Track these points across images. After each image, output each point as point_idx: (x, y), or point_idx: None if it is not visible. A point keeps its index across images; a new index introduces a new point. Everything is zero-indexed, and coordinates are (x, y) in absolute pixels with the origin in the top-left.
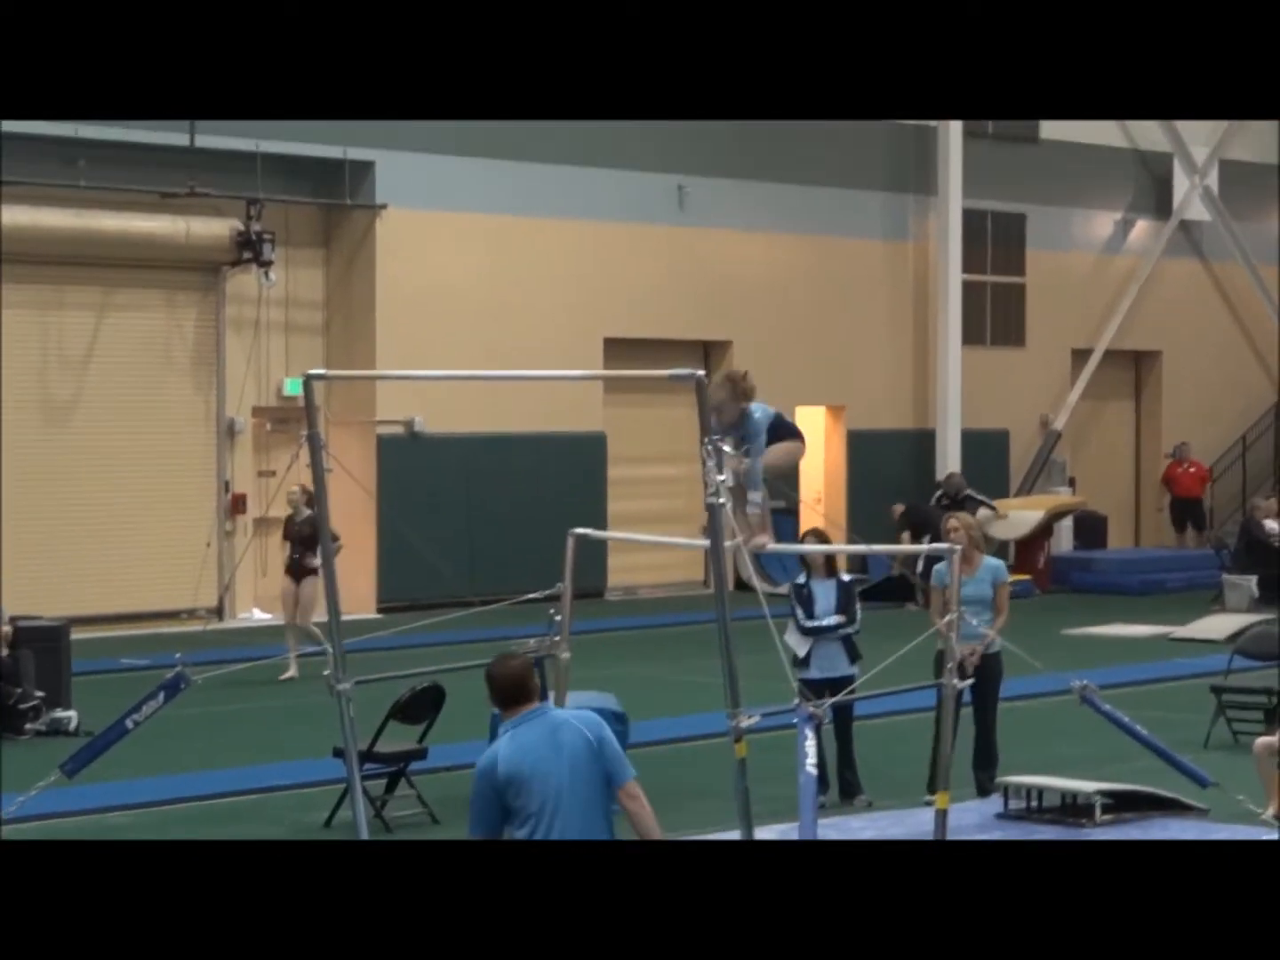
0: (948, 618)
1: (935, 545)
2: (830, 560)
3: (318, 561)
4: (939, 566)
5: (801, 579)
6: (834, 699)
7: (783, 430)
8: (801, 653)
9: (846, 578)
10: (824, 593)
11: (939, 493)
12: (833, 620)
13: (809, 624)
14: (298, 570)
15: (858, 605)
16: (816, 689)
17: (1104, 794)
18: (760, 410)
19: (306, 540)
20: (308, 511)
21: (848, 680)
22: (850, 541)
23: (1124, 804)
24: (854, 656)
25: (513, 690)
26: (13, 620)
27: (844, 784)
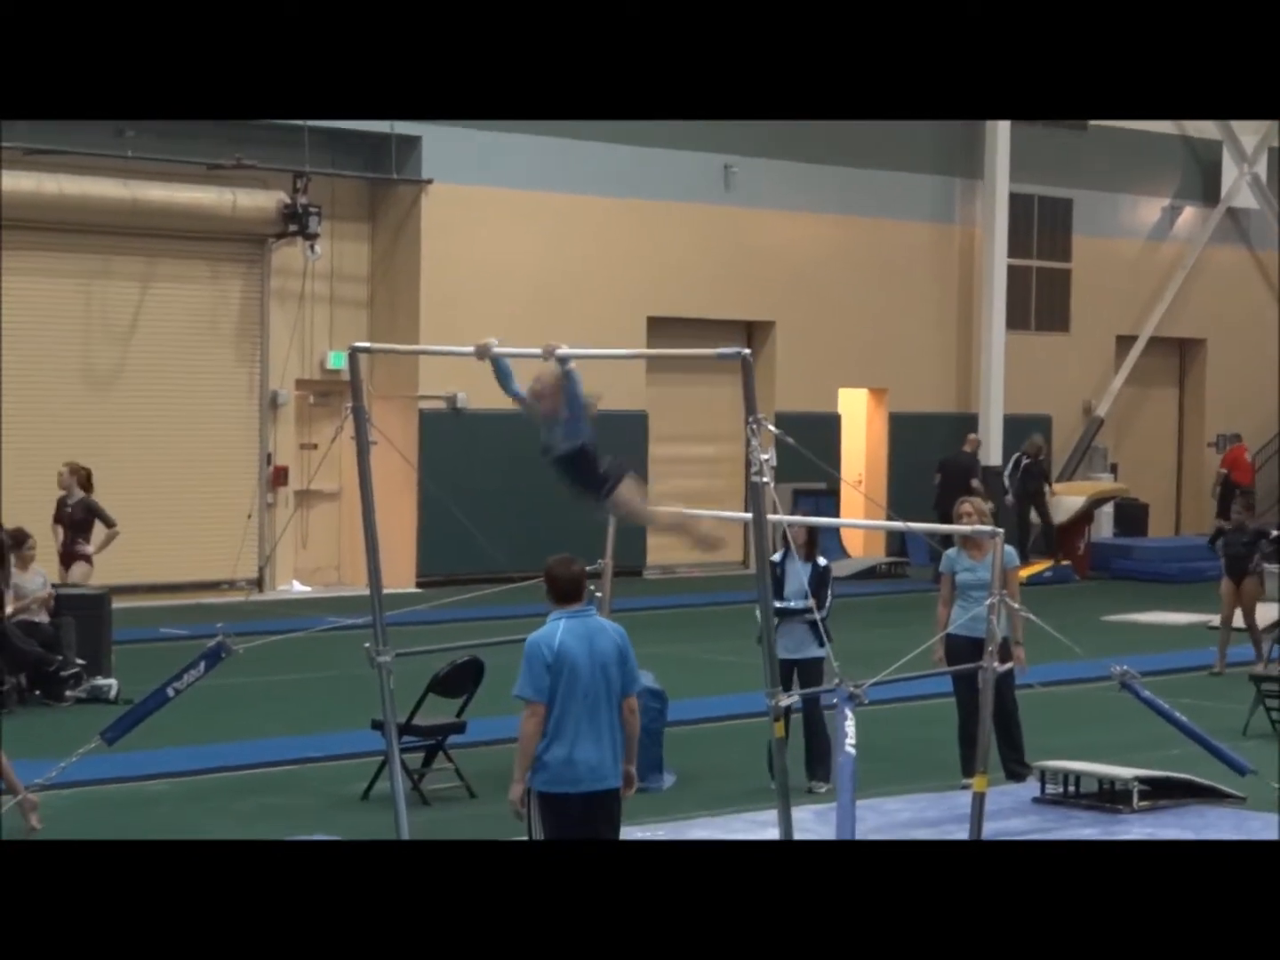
0: (989, 601)
1: (978, 529)
2: (810, 542)
3: (90, 549)
4: (949, 552)
5: (777, 557)
6: (874, 680)
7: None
8: None
9: (823, 562)
10: (798, 574)
11: (1018, 454)
12: (799, 604)
13: (776, 604)
14: (69, 557)
15: (829, 591)
16: (783, 669)
17: (1141, 780)
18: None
19: (79, 525)
20: (80, 494)
21: (816, 662)
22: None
23: (1161, 790)
24: (821, 640)
25: (569, 589)
26: (54, 588)
27: (811, 770)
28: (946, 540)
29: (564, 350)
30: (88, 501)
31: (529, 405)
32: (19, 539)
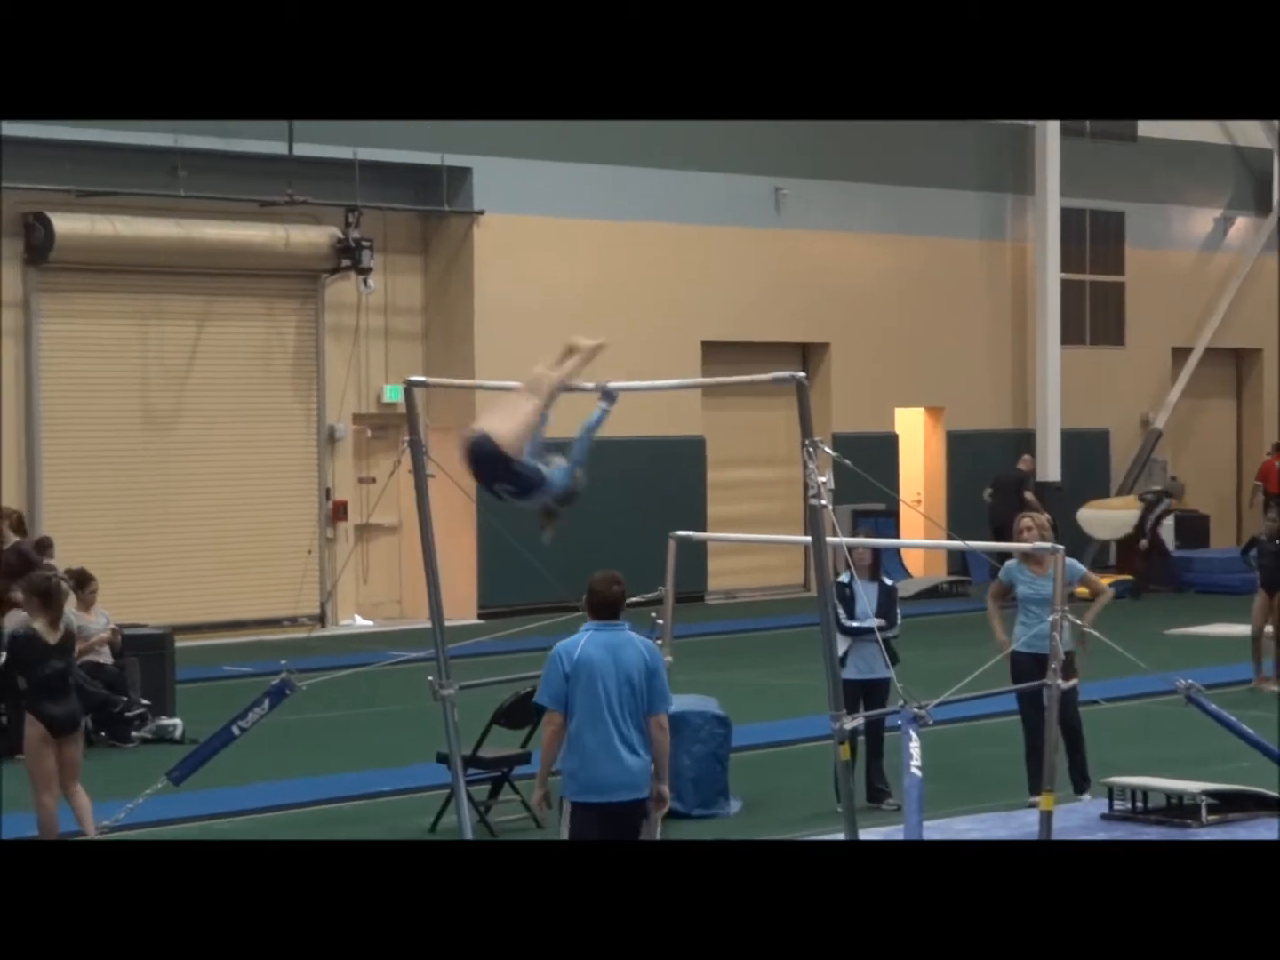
0: (1051, 618)
1: (1038, 545)
2: (875, 562)
3: (18, 595)
4: (1009, 563)
5: (845, 578)
6: (938, 701)
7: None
8: (839, 652)
9: (889, 582)
10: (866, 594)
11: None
12: (872, 622)
13: (849, 624)
14: (3, 605)
15: (899, 610)
16: (852, 690)
17: (1210, 794)
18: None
19: (13, 571)
20: (14, 538)
21: (884, 683)
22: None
23: (1230, 804)
24: (893, 660)
25: (606, 607)
26: (118, 628)
27: (872, 790)
28: (1006, 558)
29: (617, 385)
30: (21, 547)
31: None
32: (82, 580)
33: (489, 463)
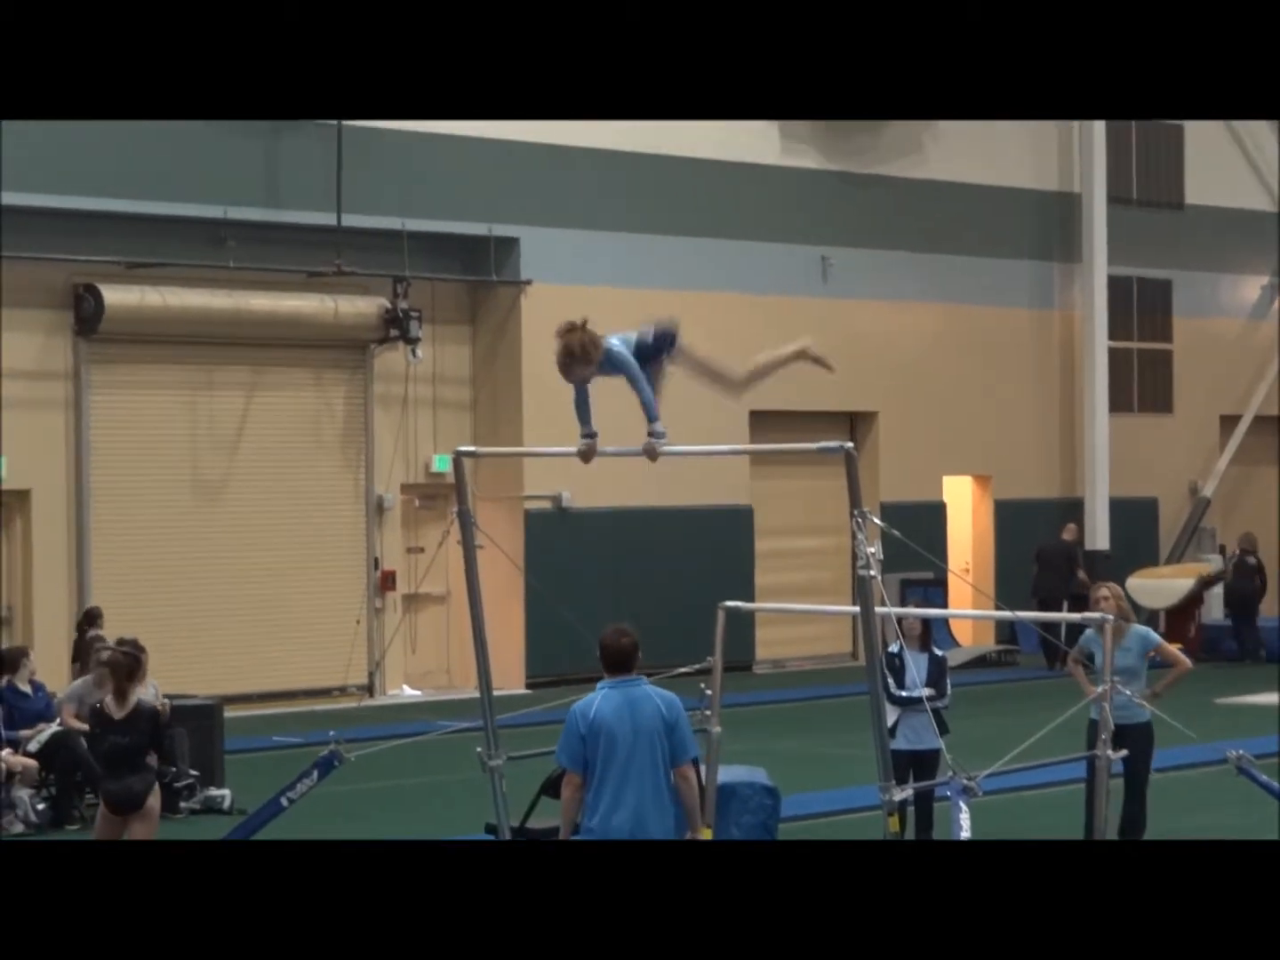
0: (1100, 689)
1: (1086, 615)
2: (925, 632)
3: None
4: (1088, 633)
5: (895, 648)
6: (988, 772)
7: (657, 343)
8: (889, 722)
9: (939, 652)
10: (916, 664)
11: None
12: (922, 692)
13: (899, 694)
14: None
15: (948, 680)
16: (901, 760)
17: None
18: (618, 341)
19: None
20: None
21: (933, 754)
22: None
23: None
24: (942, 730)
25: (617, 660)
26: (167, 699)
27: None
28: (1051, 629)
29: (667, 448)
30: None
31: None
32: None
33: (660, 343)
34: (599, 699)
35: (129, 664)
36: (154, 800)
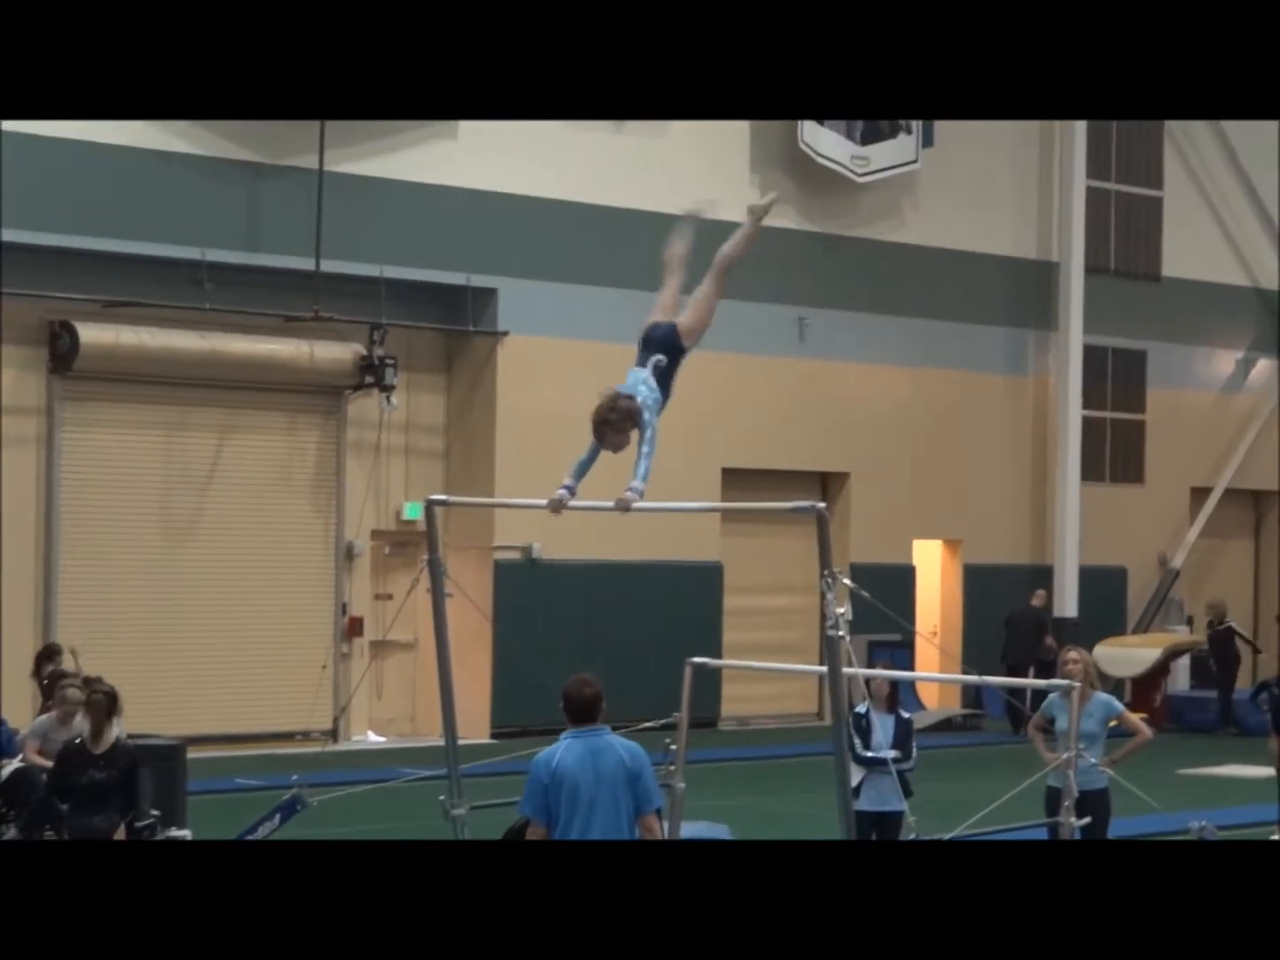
0: (1066, 755)
1: (1052, 680)
2: (893, 694)
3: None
4: (1051, 698)
5: (862, 709)
6: (951, 835)
7: (666, 381)
8: (854, 782)
9: (905, 715)
10: (883, 725)
11: (1207, 619)
12: (889, 754)
13: (866, 754)
14: None
15: (914, 743)
16: (865, 821)
17: None
18: (646, 395)
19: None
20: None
21: (896, 815)
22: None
23: None
24: (906, 793)
25: (581, 711)
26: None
27: None
28: (1017, 694)
29: (639, 504)
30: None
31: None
32: (92, 687)
33: (661, 345)
34: (561, 749)
35: (108, 703)
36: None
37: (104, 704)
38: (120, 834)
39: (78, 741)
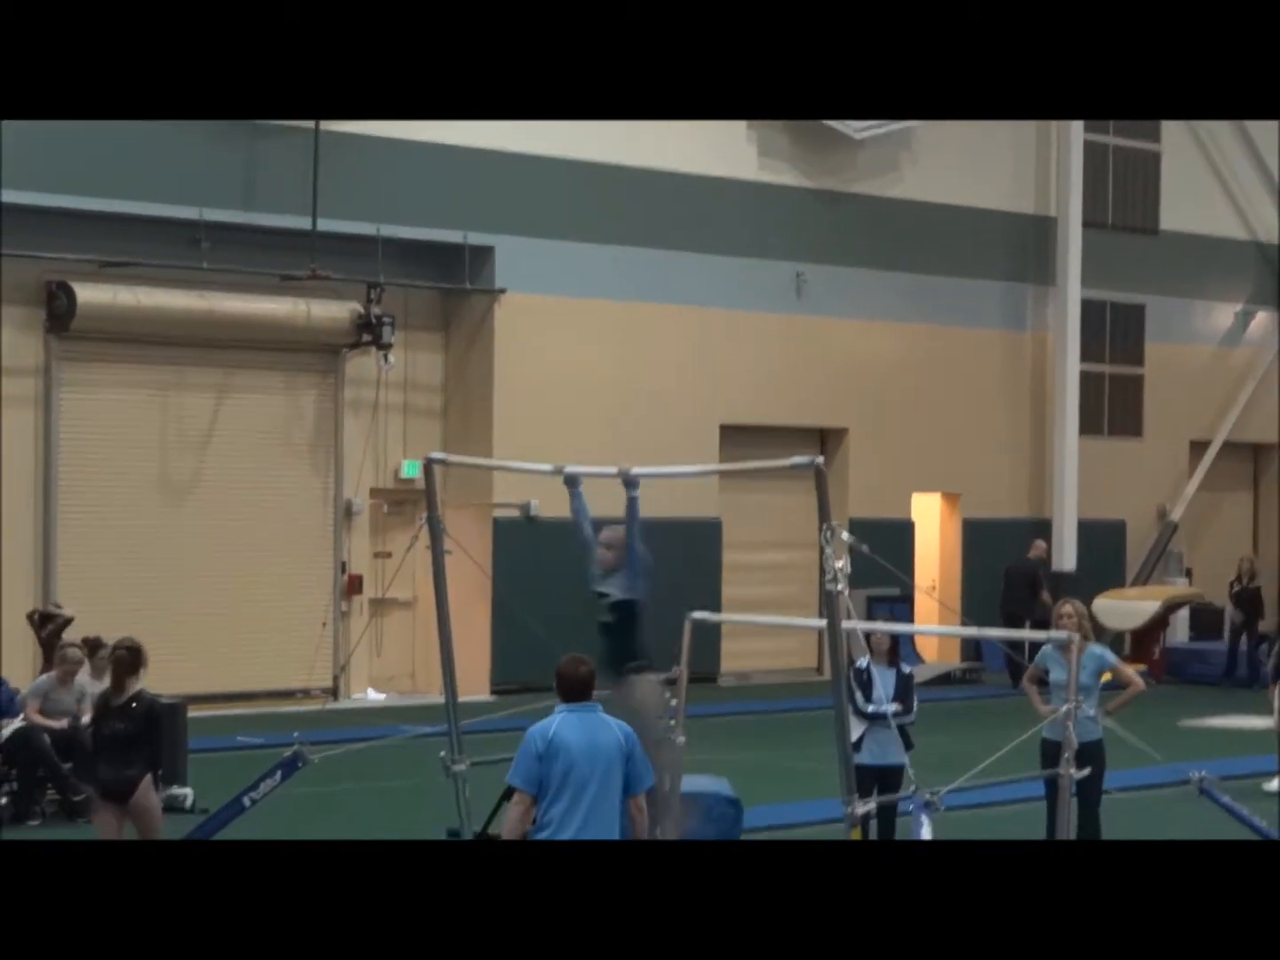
0: (1065, 707)
1: (1051, 633)
2: (893, 648)
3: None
4: (1046, 648)
5: (863, 663)
6: (951, 787)
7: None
8: (855, 736)
9: (906, 669)
10: (883, 680)
11: (1233, 578)
12: (890, 708)
13: (867, 708)
14: None
15: (914, 697)
16: (865, 774)
17: None
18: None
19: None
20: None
21: (898, 769)
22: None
23: None
24: (907, 746)
25: (575, 688)
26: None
27: None
28: (1016, 647)
29: (639, 470)
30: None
31: (597, 554)
32: (94, 647)
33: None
34: (558, 721)
35: (130, 658)
36: (149, 792)
37: (125, 659)
38: (149, 786)
39: (105, 693)
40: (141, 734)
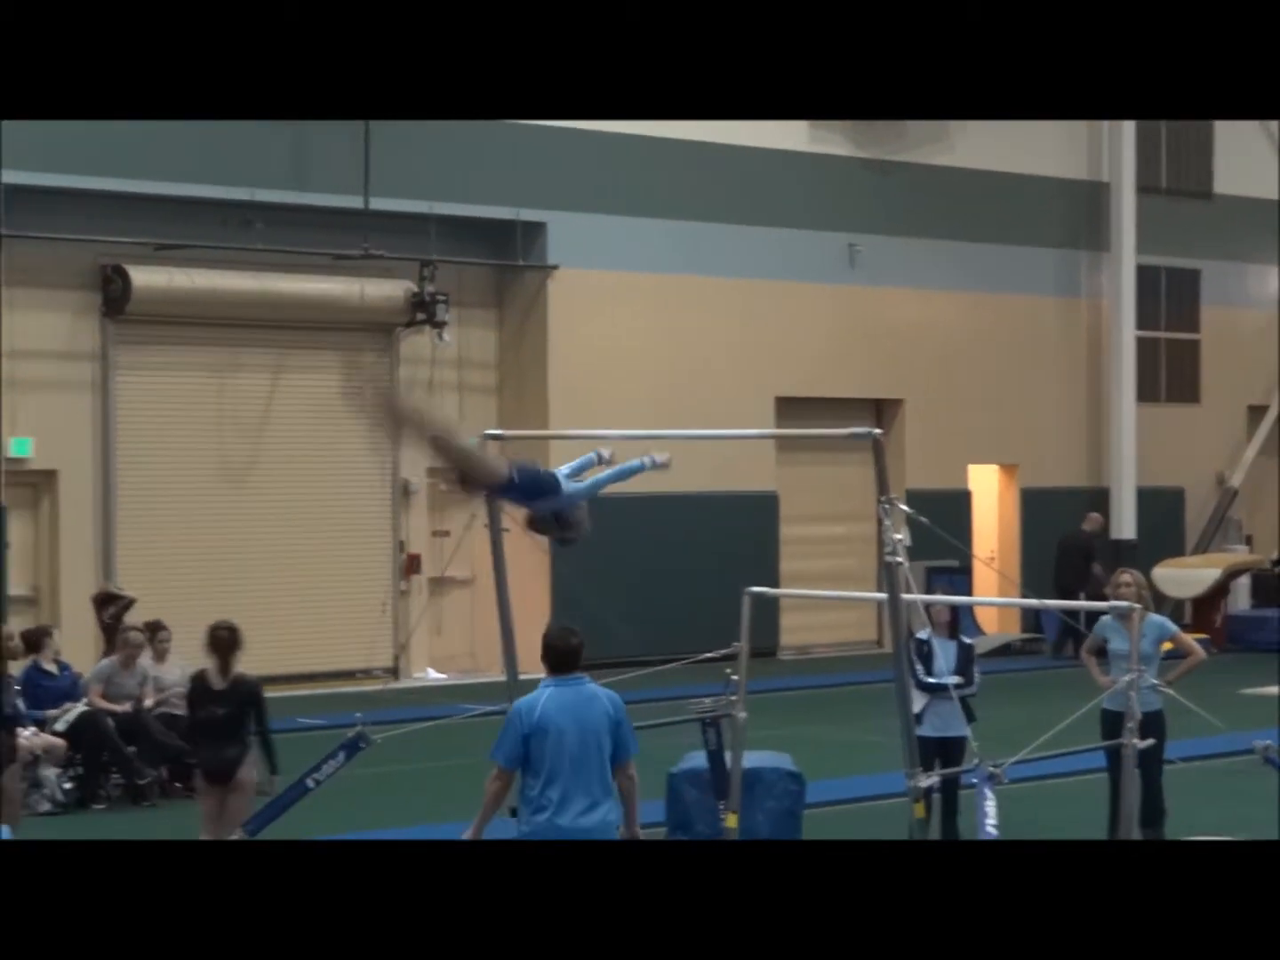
0: (1127, 677)
1: (1113, 603)
2: (953, 620)
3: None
4: (1103, 620)
5: (923, 635)
6: (1014, 759)
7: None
8: (916, 709)
9: (967, 640)
10: (944, 651)
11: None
12: (951, 680)
13: (928, 680)
14: None
15: (976, 668)
16: (928, 747)
17: None
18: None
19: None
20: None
21: (960, 741)
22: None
23: None
24: (969, 718)
25: (564, 660)
26: None
27: None
28: (1073, 617)
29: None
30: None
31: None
32: (154, 630)
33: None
34: (544, 698)
35: (229, 639)
36: (248, 770)
37: (226, 639)
38: (250, 765)
39: (200, 675)
40: (241, 717)
